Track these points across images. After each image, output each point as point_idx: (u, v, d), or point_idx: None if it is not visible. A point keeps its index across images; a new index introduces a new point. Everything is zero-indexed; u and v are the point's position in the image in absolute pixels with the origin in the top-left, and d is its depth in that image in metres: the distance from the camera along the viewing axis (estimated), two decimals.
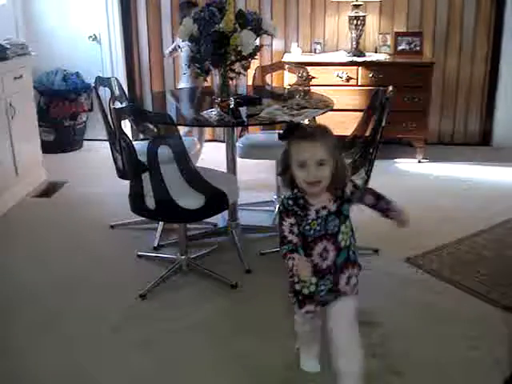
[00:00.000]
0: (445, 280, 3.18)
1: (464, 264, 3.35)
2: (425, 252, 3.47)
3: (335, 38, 5.48)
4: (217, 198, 2.96)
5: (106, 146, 3.90)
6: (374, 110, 3.29)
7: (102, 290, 3.14)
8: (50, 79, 5.47)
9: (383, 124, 3.10)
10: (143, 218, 3.46)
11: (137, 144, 3.13)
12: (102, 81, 3.71)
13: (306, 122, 3.38)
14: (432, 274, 3.25)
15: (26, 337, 2.73)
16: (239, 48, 3.23)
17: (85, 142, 5.77)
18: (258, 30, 3.33)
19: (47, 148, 5.07)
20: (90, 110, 5.65)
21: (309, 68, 4.29)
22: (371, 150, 3.15)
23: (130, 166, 2.99)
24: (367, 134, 3.31)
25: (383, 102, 3.12)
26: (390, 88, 3.16)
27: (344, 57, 5.15)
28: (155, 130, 2.85)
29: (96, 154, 5.44)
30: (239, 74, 3.34)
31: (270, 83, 4.73)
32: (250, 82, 4.38)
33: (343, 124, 4.66)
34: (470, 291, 3.06)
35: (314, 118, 3.54)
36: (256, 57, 3.37)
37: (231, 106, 3.33)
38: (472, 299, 3.01)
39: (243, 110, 3.32)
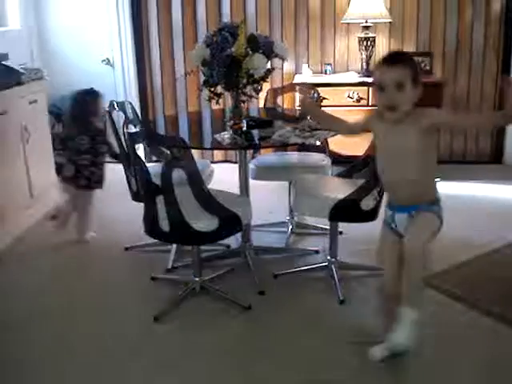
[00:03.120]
0: (458, 300, 3.17)
1: (478, 284, 3.34)
2: (438, 272, 3.46)
3: (345, 59, 5.53)
4: (230, 220, 2.99)
5: (118, 167, 3.94)
6: None
7: (117, 313, 3.16)
8: (63, 103, 5.54)
9: None
10: (156, 240, 3.48)
11: (151, 166, 3.16)
12: (116, 105, 3.75)
13: (318, 143, 3.42)
14: (445, 294, 3.24)
15: (43, 362, 2.75)
16: (251, 71, 3.27)
17: None
18: (270, 54, 3.37)
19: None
20: (104, 132, 5.69)
21: (320, 89, 4.31)
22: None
23: (144, 190, 3.02)
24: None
25: None
26: None
27: (355, 77, 5.19)
28: (169, 152, 2.89)
29: (109, 176, 5.46)
30: (251, 96, 3.38)
31: (281, 105, 4.76)
32: (261, 104, 4.42)
33: (355, 144, 4.63)
34: (485, 311, 3.05)
35: (326, 139, 3.58)
36: (267, 79, 3.41)
37: (244, 129, 3.37)
38: (486, 320, 3.00)
39: (255, 133, 3.35)
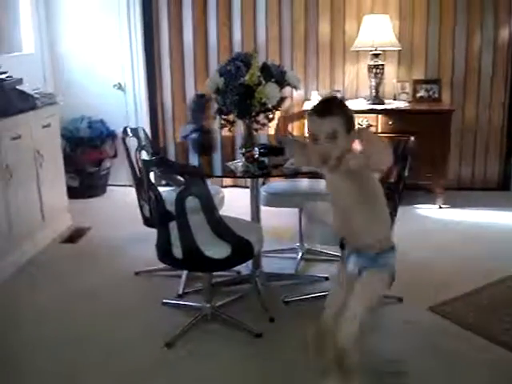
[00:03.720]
0: (469, 329, 3.18)
1: (488, 312, 3.36)
2: (448, 300, 3.47)
3: (355, 86, 5.58)
4: (243, 248, 3.01)
5: (129, 191, 4.00)
6: (396, 159, 3.34)
7: (128, 338, 3.17)
8: (75, 126, 5.61)
9: (406, 174, 3.15)
10: (167, 265, 3.50)
11: (163, 192, 3.19)
12: (130, 130, 3.80)
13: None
14: (456, 322, 3.25)
15: (47, 381, 2.77)
16: (264, 100, 3.31)
17: (108, 188, 5.87)
18: (282, 83, 3.41)
19: (72, 193, 5.16)
20: (114, 156, 5.77)
21: None
22: (394, 200, 3.18)
23: (157, 216, 3.05)
24: (390, 182, 3.37)
25: (405, 152, 3.18)
26: (412, 138, 3.22)
27: (364, 104, 5.24)
28: (182, 180, 2.93)
29: (120, 200, 5.53)
30: (264, 125, 3.42)
31: (291, 132, 4.81)
32: (272, 131, 4.46)
33: None
34: (495, 340, 3.06)
35: None
36: (280, 108, 3.45)
37: (256, 156, 3.40)
38: (497, 348, 3.01)
39: (267, 160, 3.38)
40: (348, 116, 2.19)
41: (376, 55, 5.20)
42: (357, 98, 5.52)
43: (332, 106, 2.20)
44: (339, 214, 2.37)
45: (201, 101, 4.10)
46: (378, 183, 2.32)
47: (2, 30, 4.49)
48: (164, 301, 3.51)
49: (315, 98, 5.39)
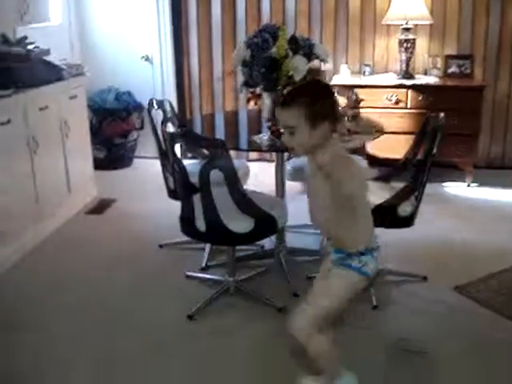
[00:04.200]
0: (494, 310, 3.13)
1: None
2: (474, 280, 3.42)
3: (384, 60, 5.48)
4: (266, 222, 2.99)
5: (155, 163, 3.99)
6: (425, 135, 3.29)
7: (150, 310, 3.19)
8: (102, 98, 5.61)
9: (434, 151, 3.09)
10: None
11: (188, 165, 3.17)
12: (155, 103, 3.77)
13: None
14: (481, 303, 3.20)
15: (72, 349, 2.80)
16: (291, 73, 3.26)
17: (135, 160, 5.88)
18: (310, 55, 3.35)
19: (98, 165, 5.18)
20: (141, 128, 5.77)
21: (358, 90, 4.29)
22: (422, 176, 3.12)
23: (181, 189, 3.04)
24: (418, 158, 3.31)
25: (435, 128, 3.11)
26: (442, 115, 3.15)
27: (393, 79, 5.14)
28: (207, 152, 2.91)
29: (146, 172, 5.54)
30: None
31: None
32: None
33: (392, 147, 4.64)
34: None
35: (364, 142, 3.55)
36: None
37: (281, 131, 3.36)
38: None
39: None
40: (314, 109, 1.98)
41: (407, 29, 5.09)
42: (386, 72, 5.42)
43: (293, 97, 2.03)
44: (314, 207, 2.24)
45: None
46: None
47: (30, 1, 4.48)
48: (187, 273, 3.52)
49: (344, 72, 5.31)
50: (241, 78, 3.46)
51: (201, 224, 2.95)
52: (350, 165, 2.05)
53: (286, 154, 3.65)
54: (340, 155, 2.08)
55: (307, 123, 1.99)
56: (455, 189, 5.09)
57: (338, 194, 2.01)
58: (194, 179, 2.91)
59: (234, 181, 2.84)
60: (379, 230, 3.31)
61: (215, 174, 2.85)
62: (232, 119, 4.41)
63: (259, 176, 4.64)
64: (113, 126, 5.56)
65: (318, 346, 2.23)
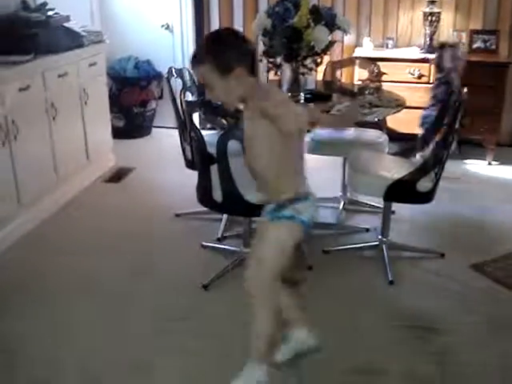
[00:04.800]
0: (511, 288, 3.10)
1: None
2: (492, 259, 3.38)
3: (408, 34, 5.39)
4: None
5: (174, 133, 3.97)
6: (447, 111, 3.23)
7: (165, 278, 3.20)
8: (122, 66, 5.58)
9: (457, 126, 3.03)
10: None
11: (206, 135, 3.15)
12: (175, 71, 3.74)
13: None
14: (498, 282, 3.17)
15: (90, 321, 2.83)
16: (312, 43, 3.21)
17: (153, 129, 5.87)
18: (332, 26, 3.30)
19: (117, 134, 5.17)
20: (160, 97, 5.74)
21: (380, 63, 4.23)
22: (443, 152, 3.08)
23: (199, 158, 3.02)
24: (439, 135, 3.26)
25: (457, 104, 3.06)
26: (465, 90, 3.09)
27: (417, 53, 5.06)
28: (224, 122, 2.88)
29: (164, 142, 5.53)
30: (311, 69, 3.33)
31: (340, 79, 4.68)
32: (319, 77, 4.34)
33: (412, 122, 4.58)
34: None
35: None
36: (328, 52, 3.35)
37: (301, 102, 3.33)
38: None
39: (314, 106, 3.30)
40: (221, 60, 1.99)
41: (432, 2, 4.99)
42: (410, 46, 5.33)
43: (200, 53, 2.04)
44: (251, 158, 2.19)
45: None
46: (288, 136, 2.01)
47: None
48: (203, 243, 3.52)
49: (367, 45, 5.23)
50: (261, 48, 3.42)
51: (217, 194, 2.94)
52: (286, 101, 2.08)
53: None
54: (274, 93, 2.10)
55: (219, 75, 1.99)
56: (476, 166, 5.02)
57: (275, 134, 1.97)
58: (212, 149, 2.89)
59: None
60: (396, 204, 3.32)
61: (233, 145, 2.83)
62: None
63: None
64: (132, 95, 5.54)
65: (272, 304, 2.20)
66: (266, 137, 2.04)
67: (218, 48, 2.02)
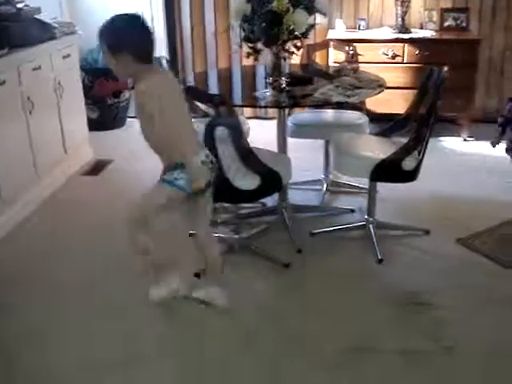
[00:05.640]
0: (497, 262, 3.16)
1: None
2: (476, 233, 3.44)
3: (379, 14, 5.41)
4: (272, 179, 2.98)
5: None
6: (427, 89, 3.27)
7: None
8: (93, 57, 5.50)
9: (439, 104, 3.07)
10: None
11: None
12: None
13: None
14: (484, 255, 3.23)
15: (86, 323, 2.81)
16: (292, 27, 3.21)
17: (128, 120, 5.81)
18: (311, 9, 3.29)
19: (91, 126, 5.09)
20: (133, 87, 5.66)
21: (354, 45, 4.25)
22: (425, 131, 3.11)
23: None
24: (420, 113, 3.30)
25: (439, 82, 3.09)
26: (445, 68, 3.13)
27: (390, 34, 5.09)
28: (211, 110, 2.87)
29: (139, 132, 5.46)
30: (292, 53, 3.32)
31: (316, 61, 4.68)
32: (297, 61, 4.34)
33: (389, 102, 4.63)
34: None
35: None
36: (308, 35, 3.34)
37: (283, 86, 3.33)
38: None
39: (295, 90, 3.30)
40: (111, 38, 2.36)
41: None
42: (382, 26, 5.36)
43: (101, 32, 2.39)
44: (146, 131, 2.53)
45: None
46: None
47: None
48: (190, 231, 3.50)
49: (340, 27, 5.24)
50: (235, 34, 3.41)
51: None
52: (152, 89, 2.37)
53: (287, 110, 3.63)
54: (154, 85, 2.39)
55: (110, 54, 2.37)
56: (452, 143, 5.09)
57: (148, 114, 2.38)
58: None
59: (240, 138, 2.81)
60: (380, 185, 3.36)
61: (219, 131, 2.82)
62: (227, 76, 4.35)
63: (255, 133, 4.60)
64: (104, 86, 5.47)
65: (141, 243, 2.59)
66: (142, 114, 2.44)
67: (112, 31, 2.38)
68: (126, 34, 2.38)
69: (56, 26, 4.33)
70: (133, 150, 5.04)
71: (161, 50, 5.58)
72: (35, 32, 4.03)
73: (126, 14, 2.46)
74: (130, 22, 2.42)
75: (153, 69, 2.47)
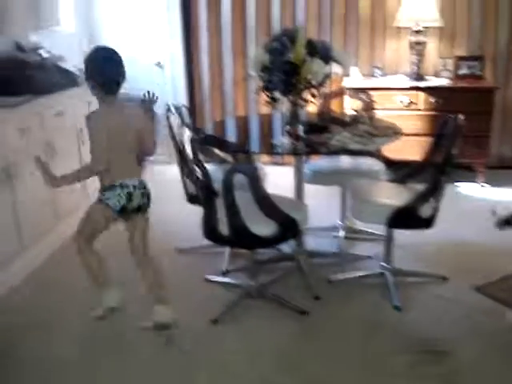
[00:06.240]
0: None
1: None
2: (494, 280, 3.43)
3: (395, 63, 5.50)
4: (289, 226, 3.00)
5: (166, 169, 3.97)
6: (443, 137, 3.30)
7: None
8: None
9: (455, 153, 3.10)
10: (209, 243, 3.49)
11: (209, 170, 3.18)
12: (173, 108, 3.78)
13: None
14: (503, 303, 3.21)
15: (89, 356, 2.81)
16: (309, 77, 3.28)
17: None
18: (327, 59, 3.37)
19: None
20: None
21: (370, 93, 4.31)
22: (441, 178, 3.13)
23: (204, 193, 3.04)
24: (436, 161, 3.32)
25: (454, 130, 3.13)
26: (461, 116, 3.17)
27: (406, 81, 5.16)
28: (229, 158, 2.93)
29: (158, 177, 5.49)
30: (308, 101, 3.38)
31: (332, 109, 4.75)
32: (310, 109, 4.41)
33: (405, 149, 4.66)
34: None
35: None
36: (325, 85, 3.41)
37: (300, 134, 3.38)
38: None
39: (312, 137, 3.35)
40: (84, 68, 2.79)
41: (417, 31, 5.10)
42: (397, 74, 5.44)
43: None
44: None
45: None
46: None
47: (41, 6, 4.49)
48: (207, 277, 3.53)
49: (355, 75, 5.33)
50: (253, 83, 3.48)
51: (224, 228, 2.97)
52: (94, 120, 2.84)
53: (304, 158, 3.68)
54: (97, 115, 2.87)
55: (89, 84, 2.82)
56: (468, 189, 5.10)
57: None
58: (214, 184, 2.94)
59: (257, 185, 2.85)
60: (397, 232, 3.37)
61: (237, 178, 2.87)
62: (246, 124, 4.42)
63: (273, 179, 4.64)
64: None
65: (86, 261, 2.95)
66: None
67: (86, 60, 2.78)
68: (93, 65, 2.79)
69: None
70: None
71: (181, 97, 5.71)
72: (57, 79, 4.14)
73: (98, 48, 2.87)
74: (98, 56, 2.80)
75: (108, 100, 2.82)
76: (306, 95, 3.39)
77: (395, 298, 3.21)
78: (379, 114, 4.25)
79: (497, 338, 2.90)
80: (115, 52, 2.81)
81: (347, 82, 5.22)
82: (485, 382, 2.58)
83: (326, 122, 3.67)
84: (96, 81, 2.75)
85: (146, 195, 3.00)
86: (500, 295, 3.28)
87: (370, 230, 4.03)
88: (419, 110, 5.02)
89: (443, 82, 5.18)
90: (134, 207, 2.93)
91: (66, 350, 2.90)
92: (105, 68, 2.74)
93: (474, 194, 5.02)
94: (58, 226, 4.07)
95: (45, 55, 4.24)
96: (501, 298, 3.25)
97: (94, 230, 2.92)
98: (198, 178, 3.06)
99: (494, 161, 5.47)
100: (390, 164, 4.41)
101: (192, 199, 3.56)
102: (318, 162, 4.12)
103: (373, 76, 5.42)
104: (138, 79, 5.68)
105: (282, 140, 3.28)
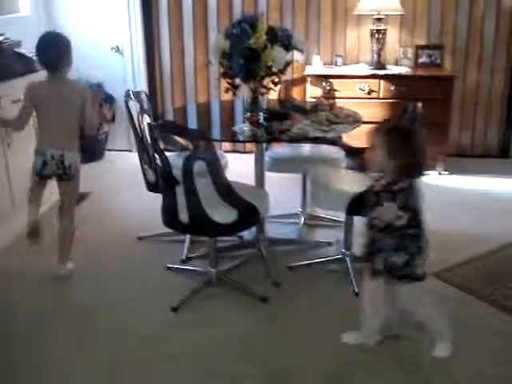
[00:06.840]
0: (474, 294, 3.20)
1: (492, 278, 3.37)
2: (451, 266, 3.49)
3: (356, 51, 5.52)
4: (249, 213, 3.00)
5: (127, 156, 3.94)
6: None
7: (132, 303, 3.17)
8: None
9: None
10: (169, 230, 3.47)
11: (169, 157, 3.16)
12: (132, 94, 3.74)
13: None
14: (460, 288, 3.27)
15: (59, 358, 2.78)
16: (270, 64, 3.27)
17: (106, 153, 5.82)
18: (288, 46, 3.36)
19: None
20: (113, 120, 5.71)
21: (331, 80, 4.33)
22: None
23: (163, 181, 3.03)
24: None
25: (414, 117, 3.16)
26: (420, 104, 3.20)
27: (366, 70, 5.19)
28: (184, 144, 2.92)
29: (118, 165, 5.49)
30: (269, 89, 3.38)
31: (294, 97, 4.77)
32: (275, 96, 4.40)
33: (365, 137, 4.68)
34: (500, 306, 3.08)
35: None
36: (285, 72, 3.41)
37: (261, 121, 3.37)
38: (502, 314, 3.03)
39: (274, 125, 3.35)
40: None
41: (378, 19, 5.13)
42: (358, 62, 5.47)
43: None
44: None
45: None
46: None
47: None
48: (168, 265, 3.51)
49: (317, 63, 5.34)
50: (215, 69, 3.46)
51: (184, 216, 2.95)
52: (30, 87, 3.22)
53: (265, 145, 3.68)
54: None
55: None
56: (427, 177, 5.16)
57: None
58: (175, 171, 2.92)
59: (218, 172, 2.84)
60: (356, 218, 3.39)
61: (197, 165, 2.85)
62: (206, 110, 4.39)
63: (234, 167, 4.64)
64: None
65: (29, 197, 3.41)
66: None
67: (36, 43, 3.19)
68: (39, 45, 3.21)
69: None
70: (111, 183, 5.07)
71: (141, 83, 5.65)
72: (15, 65, 4.04)
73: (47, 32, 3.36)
74: (45, 37, 3.26)
75: (52, 77, 3.19)
76: (267, 82, 3.38)
77: (355, 284, 3.24)
78: (340, 101, 4.27)
79: (455, 323, 2.94)
80: (59, 37, 3.27)
81: (309, 70, 5.23)
82: (444, 361, 2.63)
83: (287, 110, 3.67)
84: (38, 61, 3.22)
85: (63, 167, 3.23)
86: (458, 281, 3.34)
87: (330, 217, 4.06)
88: (379, 97, 5.06)
89: (403, 70, 5.23)
90: (48, 175, 3.26)
91: None
92: (45, 50, 3.18)
93: (432, 181, 5.09)
94: (14, 216, 3.99)
95: (1, 40, 4.13)
96: (458, 283, 3.31)
97: (33, 183, 3.34)
98: (157, 165, 3.03)
99: (452, 149, 5.55)
100: (350, 152, 4.45)
101: (151, 187, 3.53)
102: (279, 149, 4.12)
103: (335, 65, 5.44)
104: (96, 63, 5.64)
105: (243, 127, 3.27)
